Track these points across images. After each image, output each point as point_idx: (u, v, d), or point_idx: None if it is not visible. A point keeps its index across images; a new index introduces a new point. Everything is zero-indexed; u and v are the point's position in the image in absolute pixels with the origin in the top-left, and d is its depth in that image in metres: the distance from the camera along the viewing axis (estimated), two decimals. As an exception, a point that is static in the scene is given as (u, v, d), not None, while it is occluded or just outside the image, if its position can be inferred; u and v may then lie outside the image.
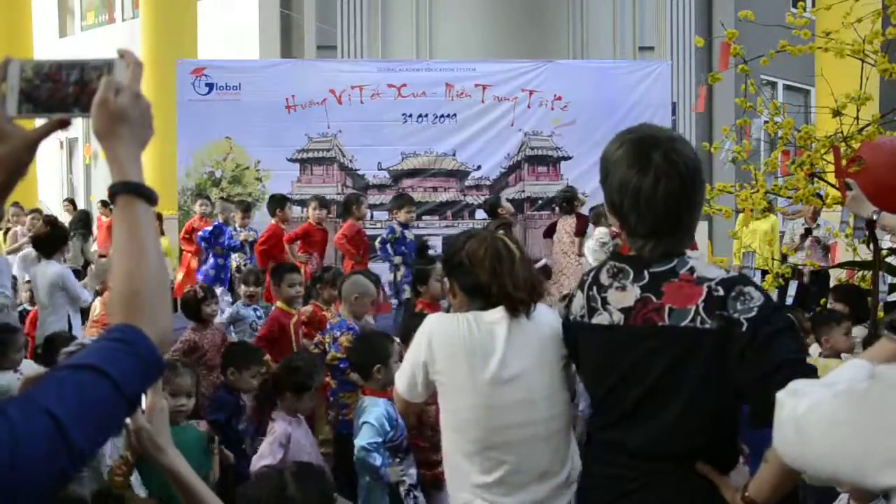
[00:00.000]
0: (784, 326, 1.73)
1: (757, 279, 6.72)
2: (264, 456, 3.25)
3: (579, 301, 1.94)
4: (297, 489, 1.96)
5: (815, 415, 1.23)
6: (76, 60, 1.25)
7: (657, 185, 1.77)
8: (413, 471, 3.49)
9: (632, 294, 1.83)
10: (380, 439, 3.29)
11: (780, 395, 1.32)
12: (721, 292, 1.75)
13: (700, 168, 1.86)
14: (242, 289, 5.70)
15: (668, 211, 1.79)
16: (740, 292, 1.74)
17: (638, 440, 1.83)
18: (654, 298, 1.79)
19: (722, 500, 1.75)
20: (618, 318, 1.84)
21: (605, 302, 1.87)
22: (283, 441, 3.30)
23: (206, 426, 3.48)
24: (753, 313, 1.71)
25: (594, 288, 1.90)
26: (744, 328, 1.71)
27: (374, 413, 3.36)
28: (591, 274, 1.96)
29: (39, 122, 1.28)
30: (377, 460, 3.24)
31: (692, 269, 1.80)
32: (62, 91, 1.23)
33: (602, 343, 1.88)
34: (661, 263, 1.83)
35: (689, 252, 1.92)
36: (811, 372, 1.66)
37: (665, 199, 1.77)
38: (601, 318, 1.87)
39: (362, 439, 3.29)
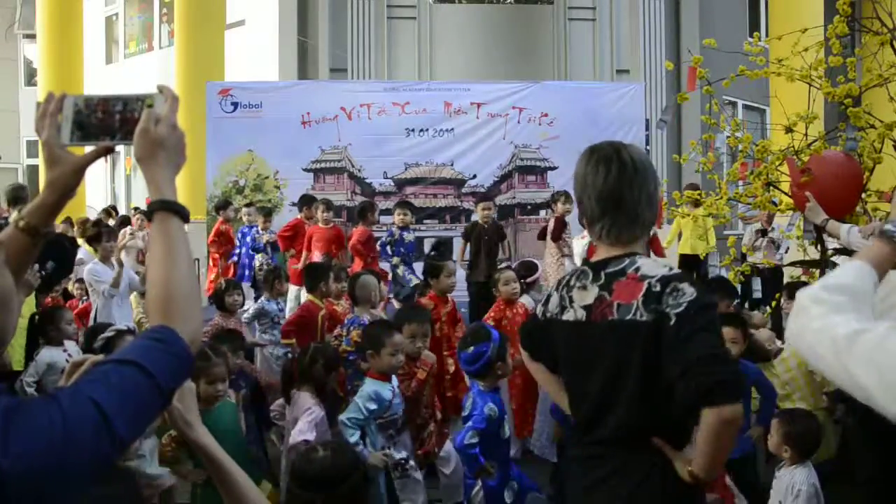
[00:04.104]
0: (706, 323, 1.69)
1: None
2: (303, 432, 3.28)
3: (555, 300, 1.95)
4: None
5: (864, 344, 1.20)
6: (120, 95, 1.26)
7: (597, 169, 1.87)
8: (405, 446, 3.49)
9: (592, 293, 1.84)
10: (361, 416, 3.28)
11: (803, 299, 1.30)
12: (658, 288, 1.73)
13: (647, 164, 1.90)
14: (285, 286, 5.60)
15: (608, 189, 1.85)
16: (674, 288, 1.71)
17: (597, 426, 1.85)
18: (607, 296, 1.80)
19: (674, 476, 1.76)
20: (581, 314, 1.85)
21: (571, 300, 1.89)
22: (318, 422, 3.35)
23: (233, 395, 3.53)
24: (681, 308, 1.68)
25: (565, 288, 1.92)
26: (672, 322, 1.68)
27: (363, 393, 3.37)
28: (567, 276, 1.97)
29: (87, 148, 1.31)
30: (353, 436, 3.23)
31: (638, 269, 1.80)
32: (108, 121, 1.24)
33: (569, 337, 1.90)
34: (615, 264, 1.83)
35: (654, 257, 1.95)
36: (726, 367, 1.65)
37: (605, 179, 1.85)
38: (569, 315, 1.88)
39: (344, 414, 3.32)
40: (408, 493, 3.40)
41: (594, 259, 1.93)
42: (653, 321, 1.71)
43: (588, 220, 1.91)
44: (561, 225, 7.29)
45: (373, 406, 3.32)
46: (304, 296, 5.49)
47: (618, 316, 1.77)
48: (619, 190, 1.84)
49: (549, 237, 7.36)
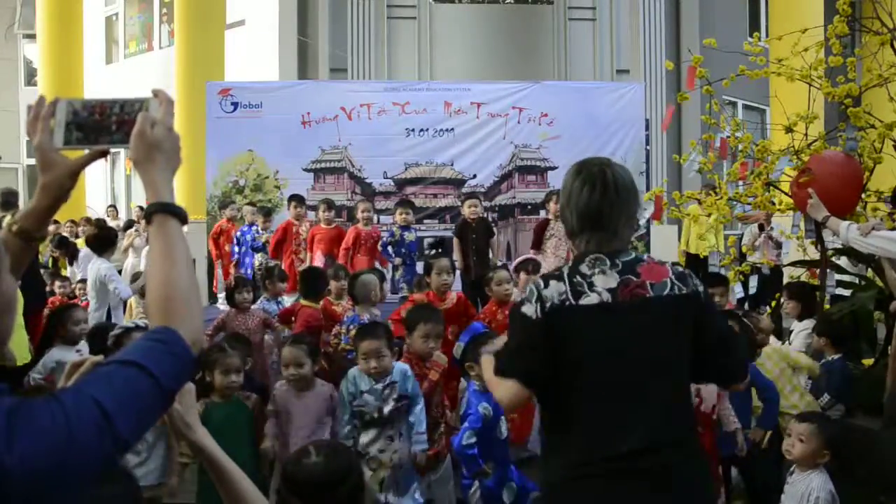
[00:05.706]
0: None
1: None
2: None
3: (559, 288, 1.84)
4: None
5: None
6: (117, 98, 1.26)
7: (582, 187, 1.93)
8: (383, 447, 3.31)
9: (612, 277, 1.86)
10: (344, 396, 3.39)
11: None
12: (679, 270, 1.93)
13: (631, 187, 1.96)
14: (279, 286, 5.63)
15: (589, 208, 1.91)
16: (689, 274, 1.94)
17: (641, 426, 1.76)
18: (633, 278, 1.86)
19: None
20: (606, 297, 1.82)
21: (591, 285, 1.84)
22: None
23: (255, 399, 3.52)
24: (701, 288, 1.92)
25: (576, 276, 1.86)
26: (701, 298, 1.90)
27: (345, 376, 3.47)
28: (568, 267, 1.91)
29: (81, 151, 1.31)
30: (346, 426, 3.36)
31: (651, 257, 1.97)
32: (105, 124, 1.24)
33: (595, 320, 1.81)
34: (626, 255, 1.91)
35: None
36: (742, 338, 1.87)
37: (589, 199, 1.92)
38: (590, 299, 1.82)
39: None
40: None
41: (600, 251, 1.91)
42: (691, 293, 1.89)
43: (568, 231, 2.00)
44: (539, 231, 7.07)
45: (352, 388, 3.39)
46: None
47: (654, 293, 1.86)
48: (600, 210, 1.91)
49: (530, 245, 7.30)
